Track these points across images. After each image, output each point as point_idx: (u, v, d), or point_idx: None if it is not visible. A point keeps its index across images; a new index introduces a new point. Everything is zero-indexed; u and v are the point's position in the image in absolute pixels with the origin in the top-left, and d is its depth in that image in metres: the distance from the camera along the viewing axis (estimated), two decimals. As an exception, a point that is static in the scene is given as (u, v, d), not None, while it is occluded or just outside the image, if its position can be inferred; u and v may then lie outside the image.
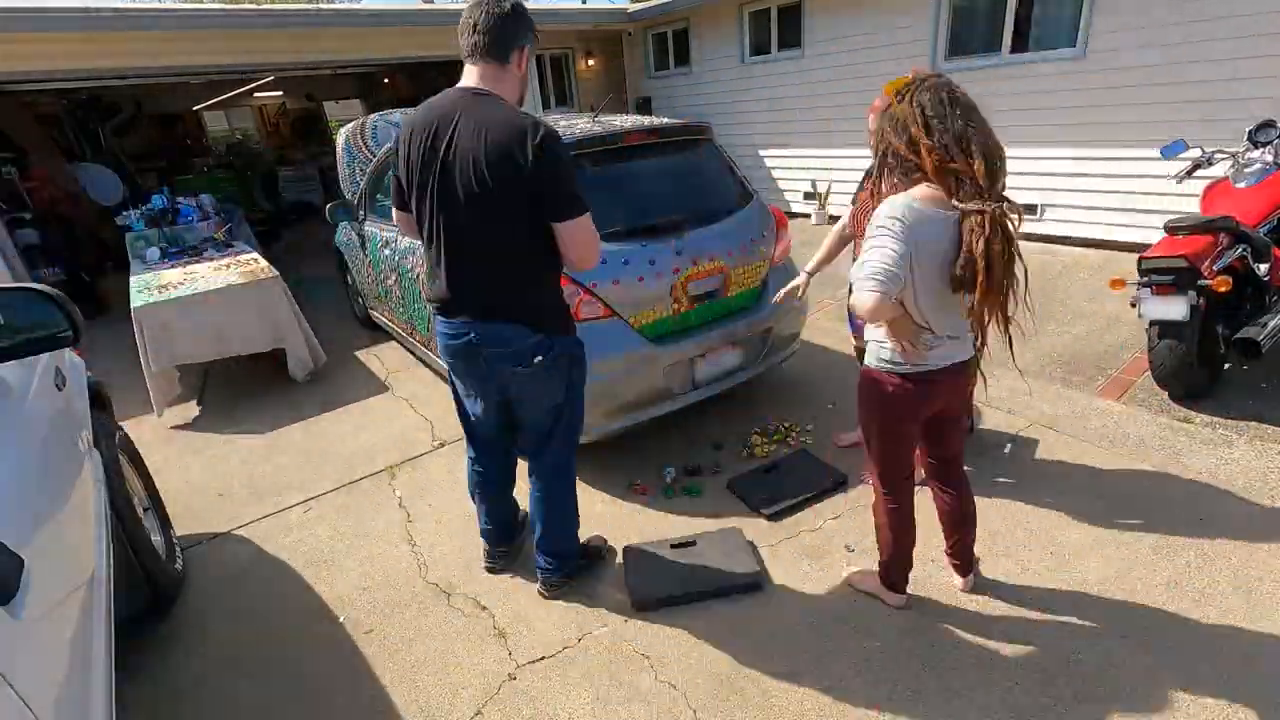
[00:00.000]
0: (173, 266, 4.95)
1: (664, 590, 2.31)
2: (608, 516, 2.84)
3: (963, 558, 2.20)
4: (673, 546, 2.50)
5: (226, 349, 4.28)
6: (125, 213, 6.15)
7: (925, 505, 2.68)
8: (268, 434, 3.92)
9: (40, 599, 1.31)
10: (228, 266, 4.77)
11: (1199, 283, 2.90)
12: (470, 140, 1.76)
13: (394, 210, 2.08)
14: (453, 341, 2.02)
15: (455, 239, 1.88)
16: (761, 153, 8.62)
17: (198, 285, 4.27)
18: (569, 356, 2.06)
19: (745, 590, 2.34)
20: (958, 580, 2.24)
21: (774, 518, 2.71)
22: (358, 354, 5.07)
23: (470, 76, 1.86)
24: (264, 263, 4.73)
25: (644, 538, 2.67)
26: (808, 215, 8.01)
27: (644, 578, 2.36)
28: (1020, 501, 2.66)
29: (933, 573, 2.33)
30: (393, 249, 4.05)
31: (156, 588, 2.42)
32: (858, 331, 2.75)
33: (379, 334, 5.31)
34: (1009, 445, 3.04)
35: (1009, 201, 1.60)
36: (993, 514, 2.60)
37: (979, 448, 3.02)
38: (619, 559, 2.53)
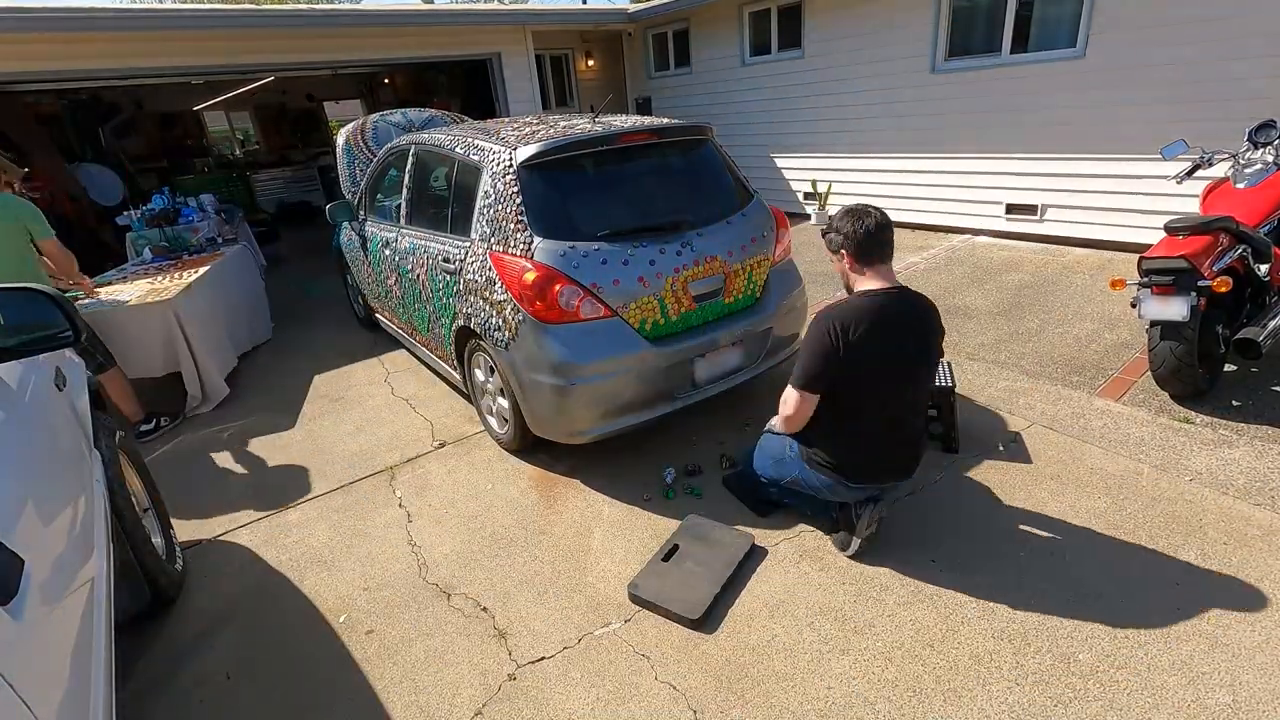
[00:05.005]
0: (135, 275, 4.85)
1: (706, 595, 2.28)
2: (613, 518, 2.84)
3: None
4: (664, 560, 2.48)
5: None
6: (126, 213, 6.16)
7: (923, 510, 2.69)
8: (268, 434, 3.92)
9: (41, 599, 1.31)
10: (151, 281, 4.56)
11: (1199, 283, 2.90)
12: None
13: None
14: None
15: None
16: (762, 153, 8.62)
17: (96, 302, 4.10)
18: None
19: (750, 557, 2.48)
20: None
21: (764, 514, 2.72)
22: (358, 354, 5.07)
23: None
24: (187, 281, 4.45)
25: (645, 538, 2.67)
26: (808, 215, 8.01)
27: (677, 598, 2.29)
28: (1020, 502, 2.66)
29: (932, 574, 2.33)
30: (393, 249, 4.05)
31: (156, 588, 2.42)
32: None
33: (379, 334, 5.31)
34: (1008, 445, 3.04)
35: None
36: (992, 514, 2.60)
37: (979, 448, 3.03)
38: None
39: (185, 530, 3.03)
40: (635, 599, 2.34)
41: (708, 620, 2.22)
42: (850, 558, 2.43)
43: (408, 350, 4.71)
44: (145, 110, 11.80)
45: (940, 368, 3.09)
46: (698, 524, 2.66)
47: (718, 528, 2.62)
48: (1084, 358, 3.82)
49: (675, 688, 2.00)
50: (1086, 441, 3.02)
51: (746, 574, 2.41)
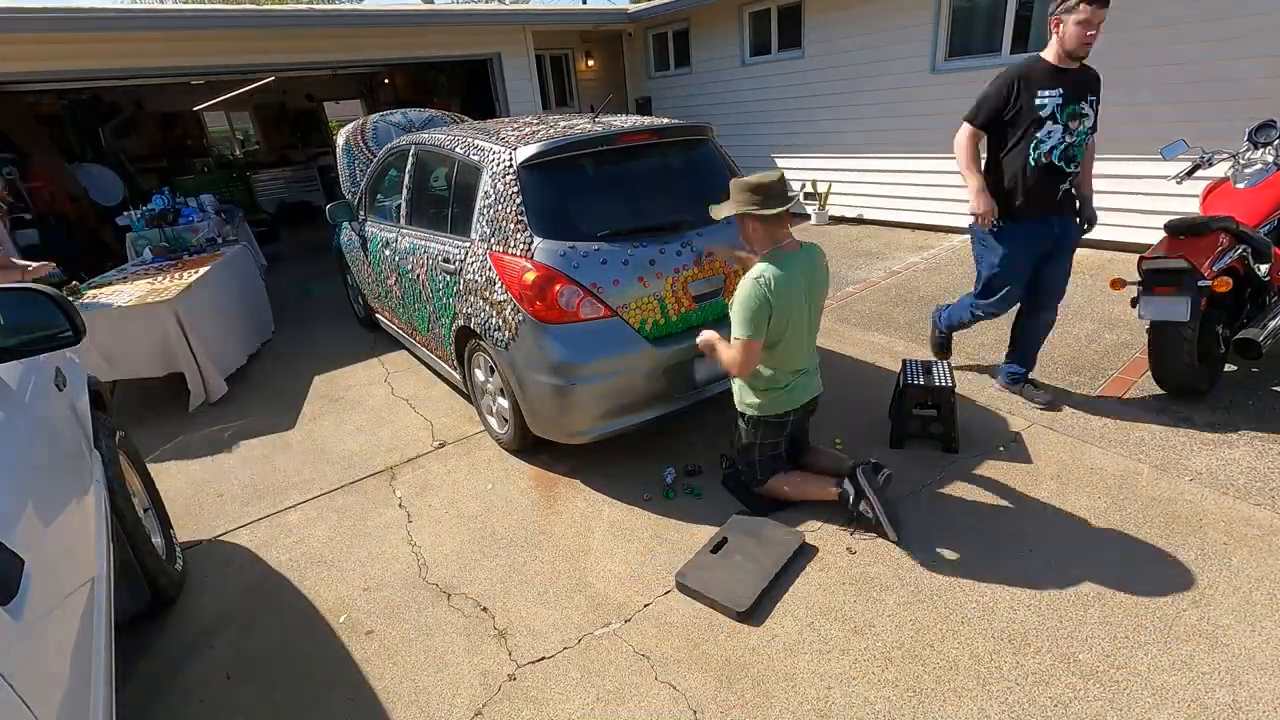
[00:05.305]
0: (135, 275, 4.85)
1: (753, 589, 2.29)
2: (613, 518, 2.84)
3: None
4: (712, 552, 2.48)
5: (116, 371, 4.13)
6: (126, 213, 6.16)
7: (923, 510, 2.69)
8: (268, 435, 3.92)
9: (41, 599, 1.31)
10: (151, 281, 4.59)
11: (1199, 283, 2.90)
12: None
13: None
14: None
15: None
16: (762, 153, 8.62)
17: (96, 303, 4.12)
18: None
19: (799, 556, 2.46)
20: None
21: (764, 513, 2.72)
22: (358, 354, 5.07)
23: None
24: (187, 281, 4.47)
25: (646, 538, 2.68)
26: (808, 216, 8.02)
27: (724, 590, 2.30)
28: (1020, 502, 2.66)
29: (932, 574, 2.33)
30: (393, 249, 4.05)
31: (156, 588, 2.42)
32: None
33: (379, 334, 5.31)
34: (1008, 445, 3.04)
35: None
36: (992, 514, 2.60)
37: (979, 449, 3.03)
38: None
39: (185, 530, 3.03)
40: (682, 588, 2.36)
41: (754, 613, 2.23)
42: (850, 553, 2.44)
43: (408, 350, 4.71)
44: (145, 110, 11.81)
45: (940, 367, 3.09)
46: (747, 520, 2.66)
47: (768, 524, 2.61)
48: (1084, 358, 3.82)
49: (675, 688, 2.00)
50: (1086, 441, 3.02)
51: (795, 571, 2.41)
